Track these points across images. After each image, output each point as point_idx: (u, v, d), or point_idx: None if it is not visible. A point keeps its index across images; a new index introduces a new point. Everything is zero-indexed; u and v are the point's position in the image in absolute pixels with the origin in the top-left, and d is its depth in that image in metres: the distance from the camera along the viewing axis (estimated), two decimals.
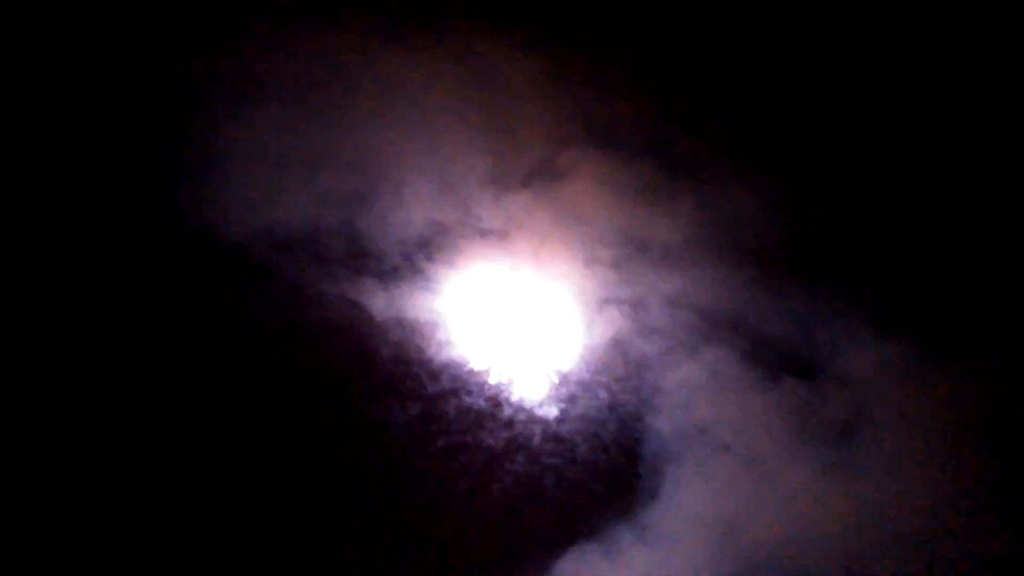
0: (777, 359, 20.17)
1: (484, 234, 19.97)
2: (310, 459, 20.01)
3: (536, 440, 19.98)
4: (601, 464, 19.95)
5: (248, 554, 19.84)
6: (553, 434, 19.92)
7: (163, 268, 19.32)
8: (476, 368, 20.13)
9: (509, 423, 20.32)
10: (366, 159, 19.71)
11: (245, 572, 19.77)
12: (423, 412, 19.91)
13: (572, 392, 20.05)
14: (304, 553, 20.05)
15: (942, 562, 18.32)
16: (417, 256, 19.87)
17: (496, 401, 20.27)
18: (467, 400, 20.19)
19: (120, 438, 18.93)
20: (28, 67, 19.08)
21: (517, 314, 20.24)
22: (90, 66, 19.09)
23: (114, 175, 19.02)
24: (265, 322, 19.58)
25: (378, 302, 19.80)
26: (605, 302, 20.00)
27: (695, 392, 20.31)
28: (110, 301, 19.11)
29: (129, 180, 19.06)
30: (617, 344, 20.18)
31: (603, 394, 20.02)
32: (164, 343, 19.25)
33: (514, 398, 20.20)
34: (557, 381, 20.21)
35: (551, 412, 20.29)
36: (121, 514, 18.78)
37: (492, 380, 20.23)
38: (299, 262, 19.70)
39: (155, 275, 19.29)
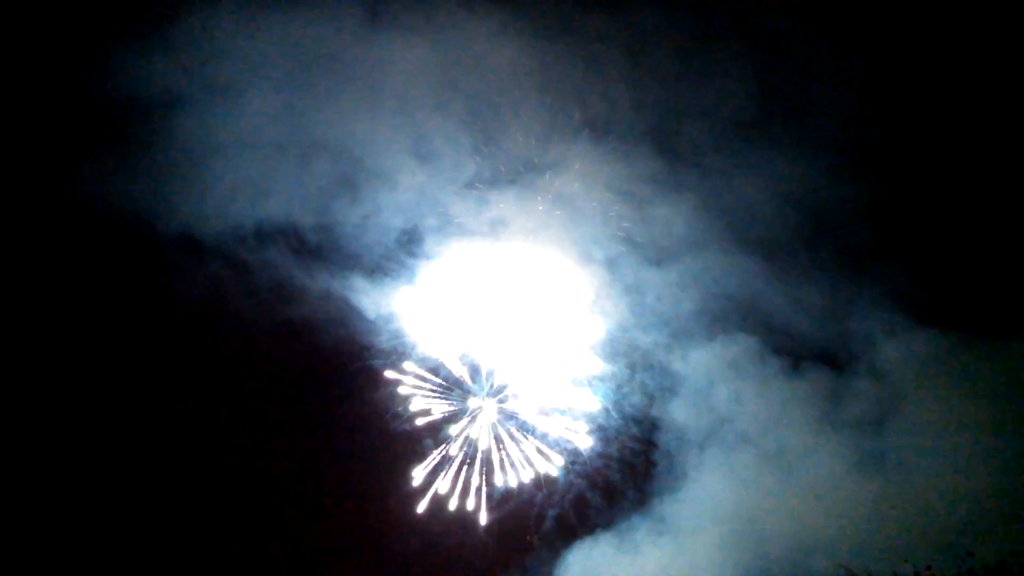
0: (798, 349, 19.16)
1: (472, 230, 19.18)
2: (300, 455, 19.89)
3: (540, 435, 19.45)
4: (614, 455, 19.41)
5: (235, 549, 19.98)
6: (559, 427, 19.38)
7: (145, 264, 19.12)
8: (473, 363, 19.70)
9: (512, 415, 19.92)
10: (350, 155, 18.89)
11: (237, 568, 20.02)
12: (419, 407, 19.56)
13: (574, 385, 19.37)
14: (297, 546, 20.08)
15: (973, 558, 17.22)
16: (403, 252, 19.24)
17: (498, 394, 19.83)
18: (467, 395, 19.79)
19: (103, 435, 18.29)
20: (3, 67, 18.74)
21: (509, 310, 19.56)
22: (67, 64, 18.64)
23: (94, 173, 18.79)
24: (249, 317, 19.30)
25: (365, 298, 19.27)
26: (601, 297, 19.18)
27: (711, 382, 19.50)
28: (90, 298, 18.93)
29: (110, 178, 18.79)
30: (619, 336, 19.37)
31: (607, 384, 19.43)
32: (145, 336, 19.17)
33: (517, 391, 19.71)
34: (558, 375, 19.58)
35: (555, 405, 19.75)
36: (107, 511, 18.02)
37: (492, 374, 19.93)
38: (283, 257, 19.29)
39: (136, 270, 19.09)
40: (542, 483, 19.11)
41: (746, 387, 19.35)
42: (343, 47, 18.58)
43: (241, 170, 18.63)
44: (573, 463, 19.24)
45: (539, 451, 19.30)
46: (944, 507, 17.11)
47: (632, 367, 19.46)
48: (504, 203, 19.10)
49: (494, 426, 19.46)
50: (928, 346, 18.58)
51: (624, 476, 19.34)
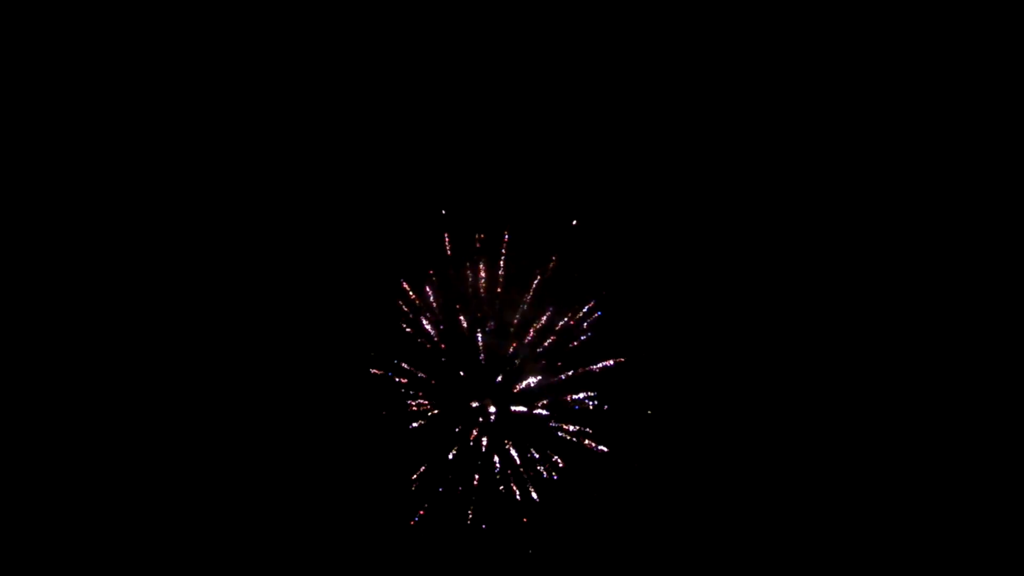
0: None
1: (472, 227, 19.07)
2: (310, 455, 19.79)
3: (544, 433, 19.38)
4: (610, 458, 19.34)
5: (254, 546, 19.98)
6: (561, 426, 19.33)
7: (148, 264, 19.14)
8: (474, 361, 19.63)
9: (513, 415, 19.80)
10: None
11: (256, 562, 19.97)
12: (419, 406, 19.48)
13: (576, 384, 19.30)
14: (308, 544, 20.03)
15: None
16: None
17: (499, 391, 19.80)
18: (468, 394, 19.69)
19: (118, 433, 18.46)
20: None
21: (510, 309, 19.35)
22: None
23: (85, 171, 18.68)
24: (245, 313, 19.02)
25: (364, 296, 19.19)
26: (599, 296, 19.09)
27: (712, 384, 19.34)
28: (106, 299, 18.58)
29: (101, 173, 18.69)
30: (618, 336, 19.30)
31: (608, 383, 19.34)
32: (142, 335, 18.80)
33: (520, 388, 19.65)
34: (560, 373, 19.48)
35: (557, 404, 19.68)
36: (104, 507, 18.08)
37: (494, 371, 19.46)
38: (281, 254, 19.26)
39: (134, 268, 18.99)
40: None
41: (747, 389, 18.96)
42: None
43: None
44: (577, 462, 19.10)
45: (545, 454, 19.17)
46: None
47: (638, 365, 19.11)
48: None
49: (496, 425, 19.29)
50: None
51: (631, 475, 19.16)
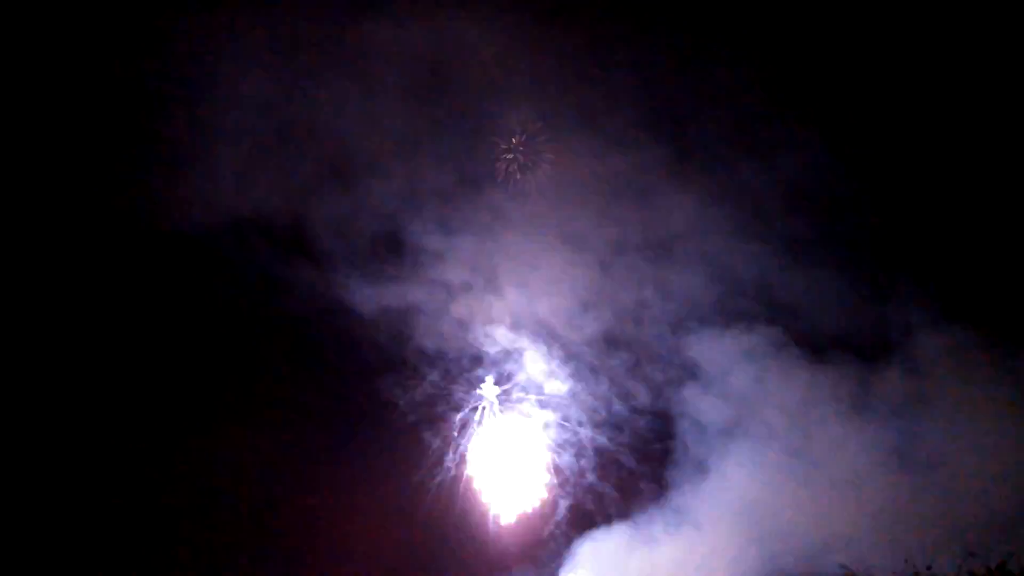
0: (824, 341, 18.11)
1: (472, 221, 18.61)
2: (303, 453, 19.58)
3: (546, 427, 19.00)
4: (630, 446, 18.73)
5: (234, 541, 19.90)
6: (564, 418, 18.90)
7: (136, 261, 18.98)
8: (475, 356, 19.08)
9: (516, 408, 19.24)
10: (336, 151, 18.43)
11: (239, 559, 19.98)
12: (422, 400, 19.20)
13: (581, 375, 18.79)
14: (303, 540, 19.92)
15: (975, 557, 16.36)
16: (402, 247, 18.71)
17: (501, 386, 19.32)
18: (470, 389, 19.37)
19: (99, 430, 18.12)
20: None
21: (513, 302, 18.74)
22: (52, 66, 18.47)
23: (82, 173, 18.66)
24: (240, 313, 19.08)
25: (362, 292, 18.82)
26: (599, 292, 18.49)
27: (726, 372, 18.58)
28: (83, 297, 18.18)
29: (97, 177, 18.64)
30: (630, 329, 18.73)
31: (613, 377, 18.64)
32: (140, 335, 18.66)
33: (521, 383, 19.19)
34: (565, 365, 18.94)
35: (563, 397, 19.14)
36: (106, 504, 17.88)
37: (495, 366, 18.96)
38: (282, 252, 19.01)
39: (128, 268, 18.87)
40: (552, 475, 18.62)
41: (766, 378, 18.42)
42: (333, 36, 17.98)
43: (233, 163, 18.28)
44: (580, 456, 18.58)
45: (547, 446, 18.77)
46: (963, 505, 16.52)
47: (644, 358, 18.68)
48: (502, 194, 18.56)
49: (498, 420, 18.92)
50: (961, 344, 17.49)
51: (639, 467, 18.66)
